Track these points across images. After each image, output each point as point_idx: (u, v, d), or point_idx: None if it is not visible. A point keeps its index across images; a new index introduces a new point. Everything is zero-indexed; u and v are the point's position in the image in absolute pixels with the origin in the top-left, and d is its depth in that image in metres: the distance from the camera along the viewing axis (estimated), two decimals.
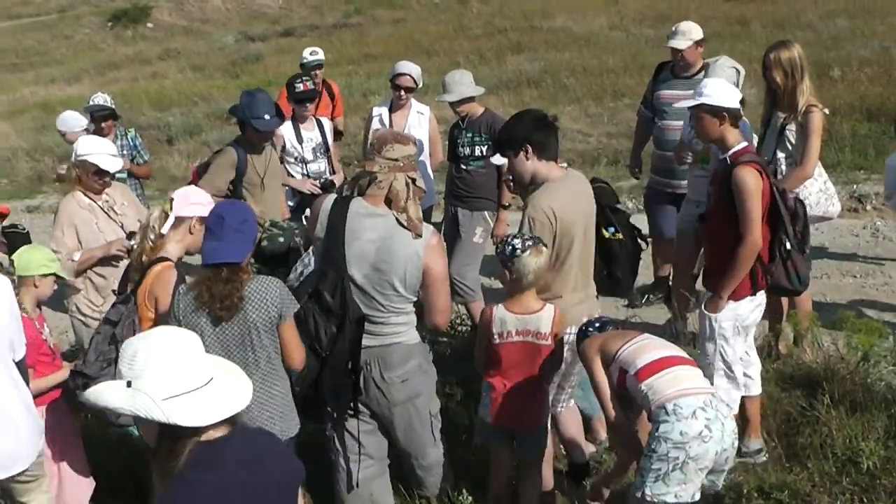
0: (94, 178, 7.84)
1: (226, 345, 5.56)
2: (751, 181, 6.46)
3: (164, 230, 6.11)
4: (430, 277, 5.99)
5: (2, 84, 33.77)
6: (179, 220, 6.14)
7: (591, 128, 18.17)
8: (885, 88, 17.21)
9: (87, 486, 6.74)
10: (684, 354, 5.95)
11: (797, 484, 6.57)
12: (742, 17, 27.40)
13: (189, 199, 6.19)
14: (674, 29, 9.72)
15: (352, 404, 6.22)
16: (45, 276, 6.53)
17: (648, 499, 5.49)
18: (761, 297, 6.92)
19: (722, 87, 6.75)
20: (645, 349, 5.75)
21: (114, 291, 6.88)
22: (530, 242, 5.96)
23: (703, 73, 9.11)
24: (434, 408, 6.39)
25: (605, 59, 23.68)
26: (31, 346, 6.09)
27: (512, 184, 7.10)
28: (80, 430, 6.82)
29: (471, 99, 9.31)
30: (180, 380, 3.51)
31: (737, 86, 8.25)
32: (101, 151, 7.84)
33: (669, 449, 5.39)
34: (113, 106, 10.89)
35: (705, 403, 5.42)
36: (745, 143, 6.73)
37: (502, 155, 6.65)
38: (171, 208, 6.15)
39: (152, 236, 6.12)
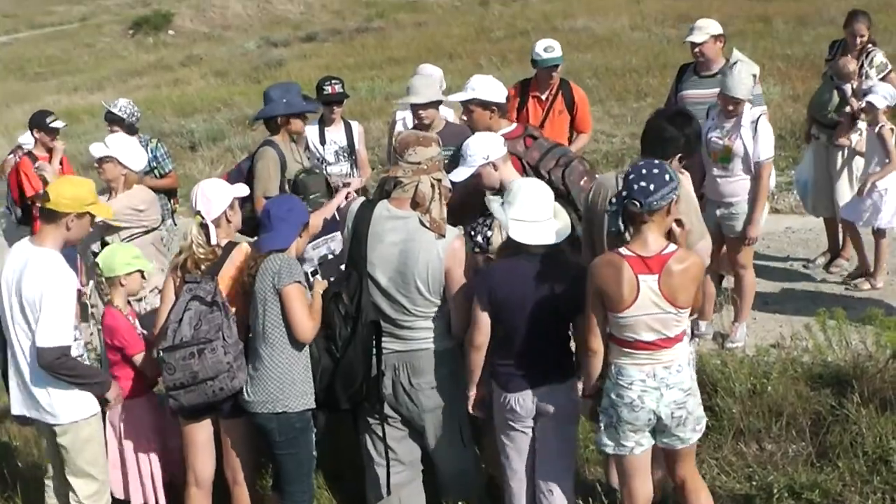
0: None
1: (251, 314, 6.14)
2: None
3: (214, 241, 6.33)
4: (450, 280, 6.01)
5: (25, 93, 33.91)
6: (217, 220, 6.36)
7: (614, 128, 18.12)
8: None
9: (156, 479, 6.95)
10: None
11: (828, 483, 6.54)
12: (764, 15, 27.37)
13: (210, 200, 6.38)
14: (691, 26, 9.70)
15: (380, 409, 6.25)
16: (129, 273, 6.77)
17: (598, 444, 5.90)
18: None
19: (489, 83, 7.52)
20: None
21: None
22: (490, 221, 6.42)
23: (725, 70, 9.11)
24: (464, 417, 6.35)
25: (628, 60, 23.66)
26: (127, 338, 6.66)
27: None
28: (159, 427, 6.91)
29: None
30: (528, 212, 5.79)
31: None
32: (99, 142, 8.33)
33: (607, 406, 5.66)
34: (122, 115, 10.61)
35: (648, 374, 5.50)
36: (509, 129, 7.44)
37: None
38: (202, 219, 6.33)
39: (201, 250, 6.32)
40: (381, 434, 6.32)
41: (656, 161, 5.51)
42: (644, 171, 5.38)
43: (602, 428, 5.74)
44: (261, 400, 6.06)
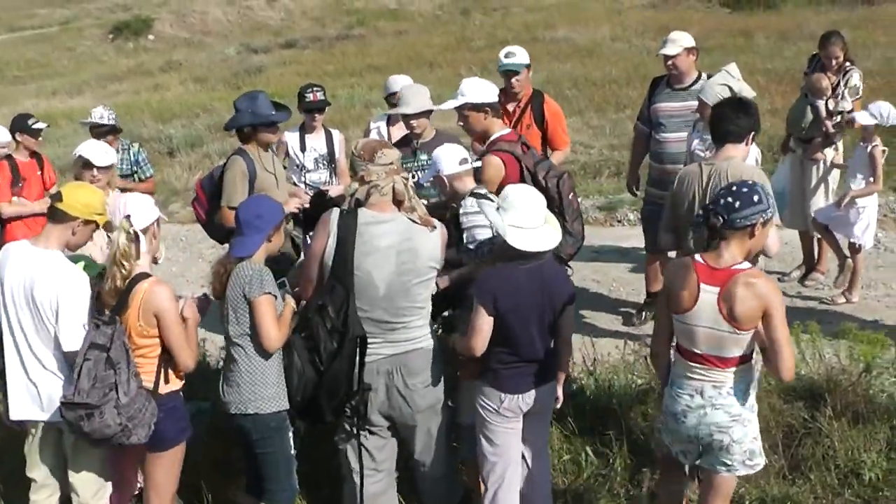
0: (84, 172, 8.29)
1: (223, 317, 6.16)
2: (488, 168, 7.20)
3: (144, 248, 5.99)
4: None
5: (4, 96, 33.77)
6: (144, 231, 6.04)
7: (593, 139, 18.13)
8: (889, 99, 17.14)
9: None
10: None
11: (799, 496, 6.58)
12: (745, 29, 27.49)
13: (143, 208, 6.11)
14: (665, 38, 9.73)
15: (359, 422, 6.22)
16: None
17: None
18: None
19: (479, 85, 7.51)
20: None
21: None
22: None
23: (698, 83, 9.08)
24: (449, 418, 6.41)
25: (608, 71, 23.73)
26: None
27: None
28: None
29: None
30: (525, 219, 5.85)
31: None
32: (92, 146, 8.36)
33: (662, 410, 5.84)
34: (111, 122, 10.59)
35: (696, 390, 5.52)
36: (506, 132, 7.52)
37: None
38: (130, 226, 5.93)
39: (126, 262, 5.90)
40: (365, 443, 6.27)
41: (751, 181, 5.52)
42: (734, 187, 5.42)
43: (659, 426, 5.96)
44: (233, 401, 6.15)
